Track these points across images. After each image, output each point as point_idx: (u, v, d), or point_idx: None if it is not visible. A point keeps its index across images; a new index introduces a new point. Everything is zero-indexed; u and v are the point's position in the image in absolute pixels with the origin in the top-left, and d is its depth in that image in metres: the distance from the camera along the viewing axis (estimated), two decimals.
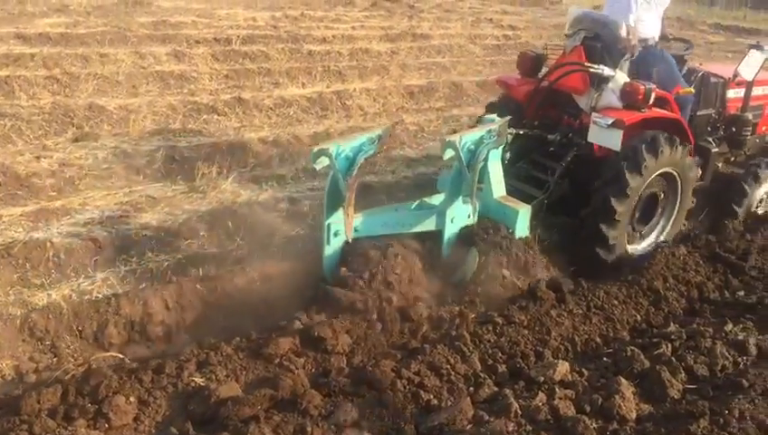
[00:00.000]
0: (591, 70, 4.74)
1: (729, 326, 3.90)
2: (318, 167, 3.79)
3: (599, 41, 4.88)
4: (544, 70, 5.24)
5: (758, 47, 5.48)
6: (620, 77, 4.74)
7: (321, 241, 4.07)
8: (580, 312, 4.08)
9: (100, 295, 3.99)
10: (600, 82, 4.76)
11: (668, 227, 5.17)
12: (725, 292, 4.61)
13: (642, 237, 5.11)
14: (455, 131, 5.14)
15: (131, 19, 11.26)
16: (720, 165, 5.74)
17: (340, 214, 3.95)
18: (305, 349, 3.46)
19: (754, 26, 18.85)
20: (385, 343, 3.63)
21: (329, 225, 4.00)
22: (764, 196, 5.76)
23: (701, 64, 5.79)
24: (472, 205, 4.32)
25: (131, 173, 5.68)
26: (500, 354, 3.61)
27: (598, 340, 3.90)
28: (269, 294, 4.17)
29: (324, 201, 3.96)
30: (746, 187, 5.56)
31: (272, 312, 3.98)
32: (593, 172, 4.66)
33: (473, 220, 4.42)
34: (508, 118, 4.53)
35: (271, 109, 7.84)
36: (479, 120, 4.81)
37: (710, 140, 5.54)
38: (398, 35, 12.92)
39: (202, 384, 3.10)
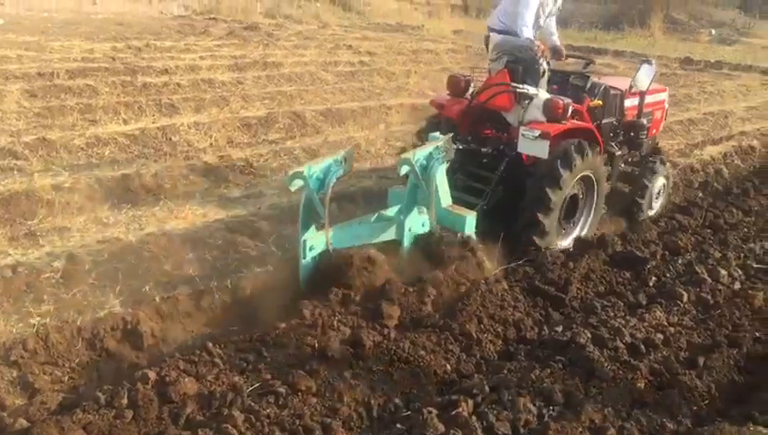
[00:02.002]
0: (518, 90, 5.32)
1: (536, 372, 3.58)
2: (293, 189, 4.21)
3: (519, 63, 5.48)
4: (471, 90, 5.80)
5: (648, 61, 6.16)
6: (542, 94, 5.37)
7: (298, 255, 4.39)
8: (381, 369, 3.64)
9: None
10: (524, 99, 5.34)
11: (588, 224, 5.81)
12: (544, 328, 4.33)
13: (567, 234, 5.69)
14: (404, 150, 5.32)
15: None
16: (622, 165, 6.36)
17: (313, 230, 4.37)
18: None
19: (604, 46, 19.72)
20: None
21: (304, 241, 4.35)
22: (661, 187, 6.52)
23: (600, 78, 6.28)
24: (430, 215, 4.73)
25: None
26: (278, 433, 3.09)
27: (398, 401, 3.46)
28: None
29: (300, 219, 4.34)
30: (646, 184, 6.26)
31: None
32: (523, 179, 5.22)
33: (427, 228, 4.84)
34: (451, 135, 4.95)
35: (82, 149, 7.05)
36: (422, 138, 5.48)
37: (613, 144, 6.12)
38: (247, 64, 12.40)
39: None
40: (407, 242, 4.78)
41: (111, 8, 20.79)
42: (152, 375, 3.29)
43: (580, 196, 5.64)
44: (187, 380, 3.29)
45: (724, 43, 24.18)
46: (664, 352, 3.94)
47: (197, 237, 5.17)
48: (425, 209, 4.77)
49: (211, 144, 7.84)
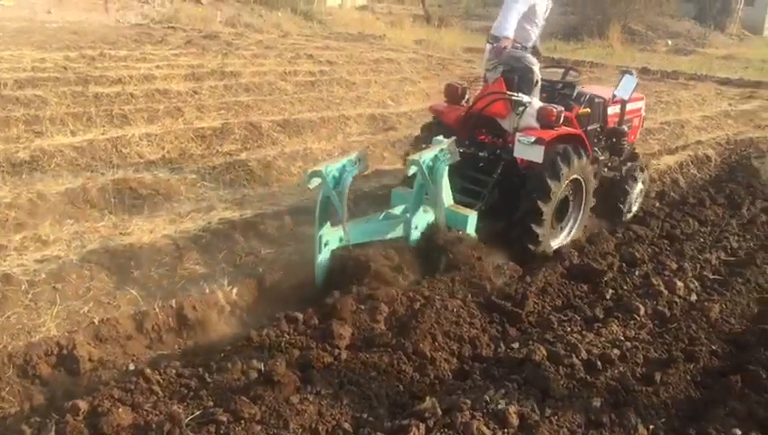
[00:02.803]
0: (513, 98, 5.60)
1: (491, 393, 3.46)
2: (311, 186, 4.43)
3: (514, 73, 5.77)
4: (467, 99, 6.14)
5: (629, 72, 6.60)
6: (536, 102, 5.67)
7: (314, 251, 4.61)
8: (330, 392, 3.49)
9: None
10: (519, 107, 5.59)
11: (577, 224, 6.10)
12: (501, 344, 4.23)
13: (558, 233, 5.97)
14: (407, 154, 5.51)
15: None
16: (605, 170, 6.69)
17: (329, 226, 4.62)
18: None
19: (564, 56, 19.89)
20: None
21: (320, 236, 4.58)
22: (639, 192, 6.89)
23: (583, 87, 6.60)
24: (439, 212, 5.03)
25: None
26: None
27: (347, 426, 3.30)
28: None
29: (316, 215, 4.54)
30: (630, 181, 6.67)
31: None
32: (518, 182, 5.51)
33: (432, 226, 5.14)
34: (454, 138, 5.25)
35: (26, 163, 6.76)
36: (416, 140, 5.97)
37: (597, 150, 6.43)
38: (205, 74, 12.14)
39: None
40: (412, 239, 5.06)
41: (67, 17, 20.32)
42: (83, 406, 3.09)
43: (570, 198, 5.92)
44: (121, 410, 3.10)
45: (680, 54, 24.64)
46: (620, 368, 3.86)
47: (143, 254, 4.95)
48: (430, 208, 5.10)
49: (163, 156, 7.62)
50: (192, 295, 4.52)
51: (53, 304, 4.24)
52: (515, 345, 4.15)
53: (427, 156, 4.85)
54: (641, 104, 7.40)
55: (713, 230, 6.63)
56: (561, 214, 5.88)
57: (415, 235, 5.08)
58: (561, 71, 6.82)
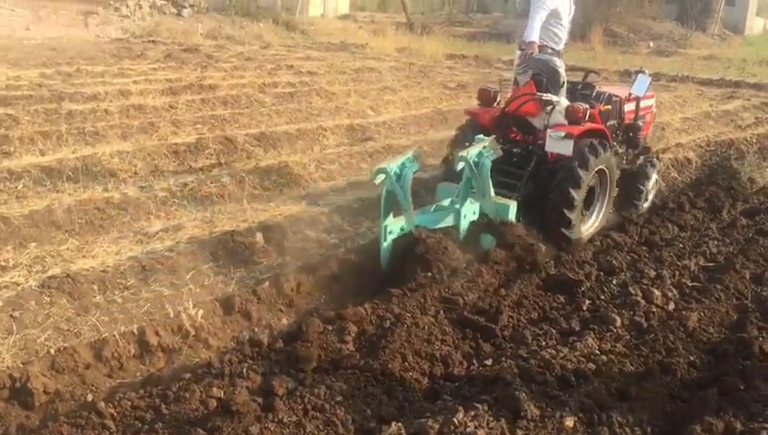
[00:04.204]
0: (544, 98, 6.12)
1: (460, 416, 3.33)
2: (377, 181, 4.90)
3: (542, 75, 6.27)
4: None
5: (642, 72, 7.04)
6: (563, 101, 6.21)
7: (379, 239, 5.14)
8: (294, 420, 3.35)
9: None
10: (548, 106, 6.13)
11: (602, 213, 6.59)
12: (473, 362, 4.12)
13: (586, 221, 6.42)
14: (449, 154, 6.22)
15: None
16: (623, 163, 7.01)
17: (392, 217, 5.09)
18: None
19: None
20: None
21: (385, 226, 5.05)
22: (654, 183, 7.44)
23: (600, 87, 7.17)
24: (488, 202, 5.60)
25: None
26: None
27: None
28: None
29: (381, 207, 5.02)
30: (648, 171, 7.14)
31: None
32: (547, 175, 6.07)
33: (478, 216, 5.74)
34: (494, 136, 5.81)
35: None
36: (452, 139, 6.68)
37: (615, 144, 6.78)
38: (182, 88, 12.00)
39: None
40: (462, 227, 5.60)
41: (46, 33, 20.10)
42: None
43: (596, 188, 6.39)
44: None
45: (662, 55, 24.67)
46: (595, 384, 3.74)
47: (106, 278, 4.81)
48: (475, 200, 5.66)
49: (136, 173, 7.46)
50: (155, 320, 4.39)
51: (10, 334, 4.08)
52: (488, 362, 4.04)
53: (473, 152, 5.37)
54: (653, 101, 7.94)
55: (692, 235, 6.54)
56: (587, 204, 6.29)
57: (464, 223, 5.61)
58: (581, 73, 7.43)
